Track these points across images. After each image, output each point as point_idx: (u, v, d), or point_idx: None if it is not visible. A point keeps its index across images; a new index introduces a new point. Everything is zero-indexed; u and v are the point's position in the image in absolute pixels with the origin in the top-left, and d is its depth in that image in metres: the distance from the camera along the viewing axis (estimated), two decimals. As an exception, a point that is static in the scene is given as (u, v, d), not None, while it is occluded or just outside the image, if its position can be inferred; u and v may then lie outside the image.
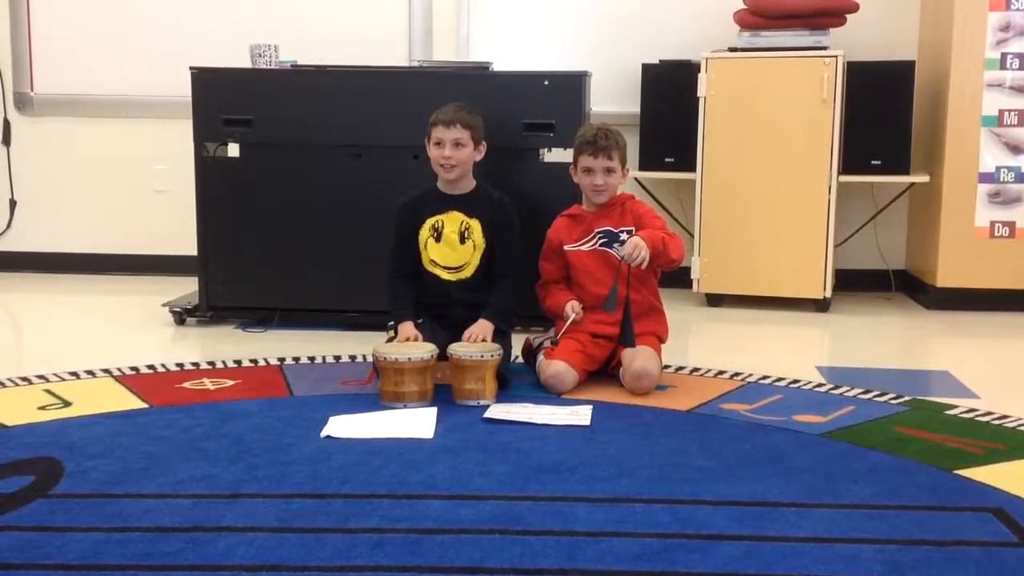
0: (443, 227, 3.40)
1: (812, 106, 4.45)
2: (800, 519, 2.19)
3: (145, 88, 5.26)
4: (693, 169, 4.63)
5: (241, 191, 4.12)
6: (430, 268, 3.41)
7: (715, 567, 1.95)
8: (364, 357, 3.58)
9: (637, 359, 3.17)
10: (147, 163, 5.33)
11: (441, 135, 3.36)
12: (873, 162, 4.61)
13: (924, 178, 4.67)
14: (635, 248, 3.11)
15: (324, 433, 2.74)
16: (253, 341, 3.94)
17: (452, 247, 3.39)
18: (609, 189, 3.33)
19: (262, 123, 4.06)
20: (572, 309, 3.28)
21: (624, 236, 3.26)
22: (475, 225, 3.40)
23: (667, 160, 4.77)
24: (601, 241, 3.32)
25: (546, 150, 4.09)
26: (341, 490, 2.33)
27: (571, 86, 3.98)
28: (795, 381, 3.34)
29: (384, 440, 2.69)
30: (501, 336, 3.30)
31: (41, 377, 3.31)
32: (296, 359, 3.60)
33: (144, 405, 3.03)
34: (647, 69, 4.79)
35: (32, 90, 5.38)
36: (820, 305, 4.59)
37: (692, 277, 4.67)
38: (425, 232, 3.40)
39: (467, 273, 3.41)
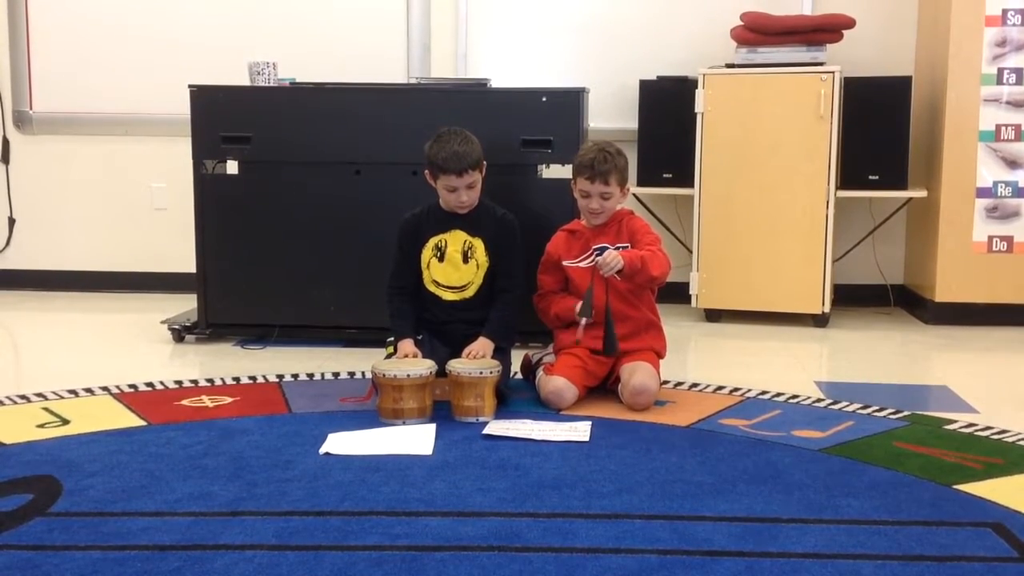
0: (446, 246, 3.38)
1: (809, 122, 4.46)
2: (800, 535, 2.18)
3: (144, 106, 5.27)
4: (691, 185, 4.64)
5: (240, 208, 4.12)
6: (432, 289, 3.40)
7: (715, 583, 1.95)
8: (363, 374, 3.58)
9: (636, 375, 3.16)
10: (146, 181, 5.34)
11: (455, 183, 3.29)
12: (871, 177, 4.62)
13: (922, 193, 4.68)
14: (612, 259, 3.12)
15: (323, 450, 2.74)
16: (252, 358, 3.94)
17: (455, 266, 3.38)
18: (605, 212, 3.32)
19: (261, 140, 4.07)
20: (578, 310, 3.26)
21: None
22: (478, 244, 3.39)
23: (665, 176, 4.78)
24: (595, 258, 3.32)
25: (544, 166, 4.09)
26: (340, 507, 2.33)
27: (569, 102, 3.99)
28: (794, 396, 3.34)
29: (383, 457, 2.69)
30: (500, 352, 3.30)
31: (39, 395, 3.31)
32: (295, 376, 3.60)
33: (143, 423, 3.03)
34: (645, 85, 4.80)
35: (31, 108, 5.39)
36: (819, 320, 4.59)
37: (690, 292, 4.67)
38: (427, 252, 3.39)
39: (470, 292, 3.40)
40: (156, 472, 2.57)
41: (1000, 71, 4.47)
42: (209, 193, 4.13)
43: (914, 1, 4.98)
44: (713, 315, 4.72)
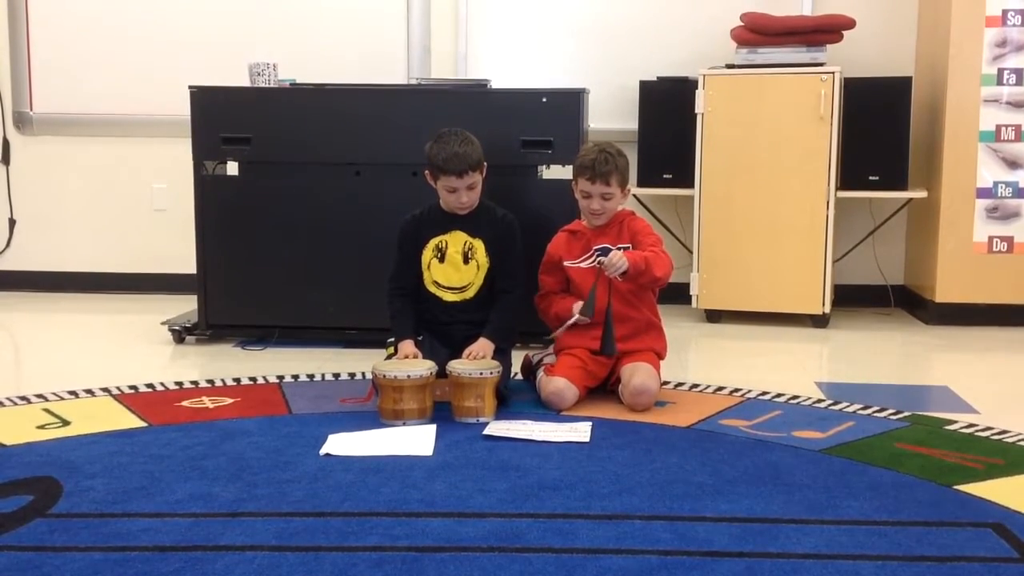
0: (447, 247, 3.38)
1: (810, 122, 4.46)
2: (800, 535, 2.18)
3: (144, 107, 5.27)
4: (691, 185, 4.64)
5: (240, 209, 4.12)
6: (432, 289, 3.40)
7: (715, 584, 1.95)
8: (363, 375, 3.58)
9: (636, 375, 3.16)
10: (146, 182, 5.35)
11: (455, 184, 3.30)
12: (871, 178, 4.62)
13: (922, 193, 4.68)
14: (618, 259, 3.12)
15: (323, 451, 2.74)
16: (252, 359, 3.94)
17: (456, 267, 3.38)
18: (606, 213, 3.32)
19: (261, 141, 4.07)
20: (577, 309, 3.27)
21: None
22: (479, 245, 3.39)
23: (665, 176, 4.78)
24: (599, 259, 3.31)
25: (544, 167, 4.09)
26: (340, 508, 2.33)
27: (569, 103, 3.99)
28: (794, 397, 3.34)
29: (383, 458, 2.69)
30: (501, 353, 3.30)
31: (40, 396, 3.31)
32: (295, 377, 3.60)
33: (143, 424, 3.03)
34: (645, 86, 4.80)
35: (31, 109, 5.39)
36: (819, 321, 4.59)
37: (691, 293, 4.67)
38: (428, 253, 3.39)
39: (470, 293, 3.39)
40: (156, 473, 2.57)
41: (1000, 71, 4.47)
42: (209, 194, 4.13)
43: (914, 1, 4.98)
44: (713, 316, 4.72)
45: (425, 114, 3.93)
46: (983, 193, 4.53)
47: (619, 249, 3.23)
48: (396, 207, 3.56)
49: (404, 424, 3.00)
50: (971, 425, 3.01)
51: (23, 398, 3.30)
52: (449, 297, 3.40)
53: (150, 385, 3.45)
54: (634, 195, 4.81)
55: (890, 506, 2.35)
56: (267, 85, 4.15)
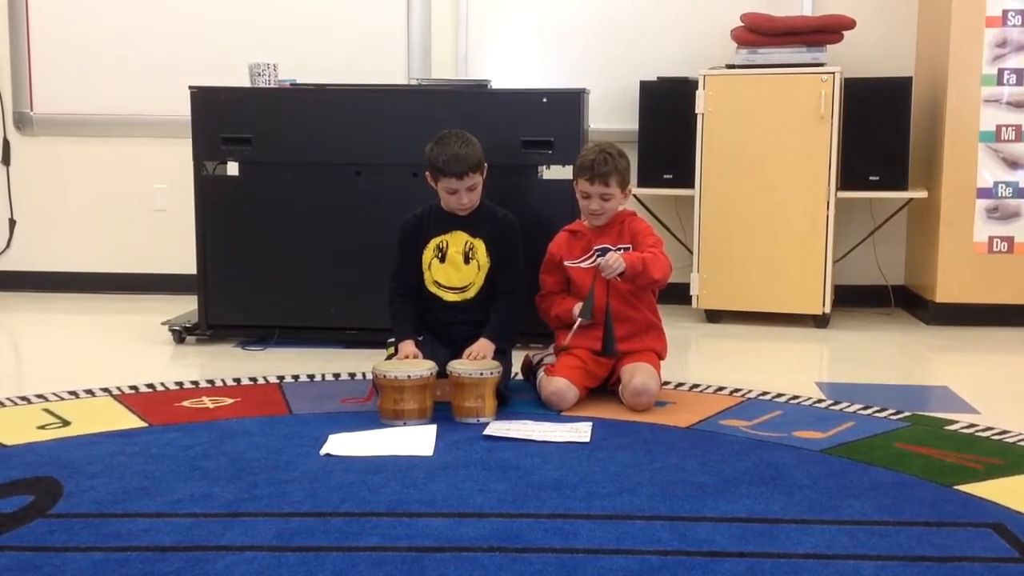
0: (447, 247, 3.38)
1: (810, 122, 4.46)
2: (801, 535, 2.18)
3: (145, 107, 5.27)
4: (692, 185, 4.64)
5: (240, 209, 4.12)
6: (433, 290, 3.40)
7: (716, 584, 1.95)
8: (363, 375, 3.58)
9: (636, 376, 3.16)
10: (147, 182, 5.34)
11: (455, 186, 3.30)
12: (871, 178, 4.62)
13: (922, 194, 4.68)
14: (614, 261, 3.12)
15: (323, 451, 2.74)
16: (252, 359, 3.94)
17: (456, 267, 3.38)
18: (606, 213, 3.33)
19: (261, 142, 4.07)
20: (577, 312, 3.27)
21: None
22: (479, 245, 3.39)
23: (666, 177, 4.78)
24: (597, 260, 3.31)
25: (545, 167, 4.09)
26: (340, 508, 2.33)
27: (569, 103, 3.99)
28: (795, 397, 3.34)
29: (384, 458, 2.69)
30: (501, 354, 3.30)
31: (40, 396, 3.31)
32: (295, 377, 3.60)
33: (143, 424, 3.03)
34: (645, 86, 4.80)
35: (32, 109, 5.39)
36: (819, 321, 4.59)
37: (691, 293, 4.67)
38: (429, 253, 3.39)
39: (471, 293, 3.39)
40: (157, 473, 2.57)
41: (1000, 72, 4.47)
42: (209, 194, 4.13)
43: (914, 2, 4.98)
44: (714, 316, 4.72)
45: (425, 115, 3.93)
46: (983, 193, 4.53)
47: (619, 250, 3.23)
48: (396, 207, 3.56)
49: (404, 424, 3.00)
50: (971, 425, 3.01)
51: (23, 398, 3.30)
52: (450, 297, 3.40)
53: (150, 385, 3.45)
54: (634, 195, 4.80)
55: (890, 506, 2.35)
56: (267, 85, 4.16)
